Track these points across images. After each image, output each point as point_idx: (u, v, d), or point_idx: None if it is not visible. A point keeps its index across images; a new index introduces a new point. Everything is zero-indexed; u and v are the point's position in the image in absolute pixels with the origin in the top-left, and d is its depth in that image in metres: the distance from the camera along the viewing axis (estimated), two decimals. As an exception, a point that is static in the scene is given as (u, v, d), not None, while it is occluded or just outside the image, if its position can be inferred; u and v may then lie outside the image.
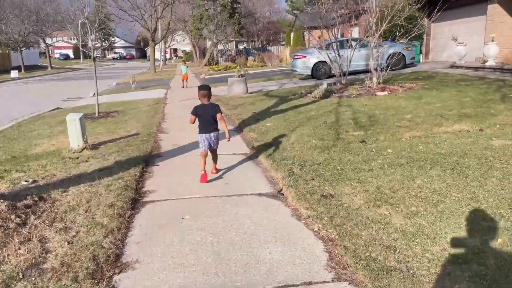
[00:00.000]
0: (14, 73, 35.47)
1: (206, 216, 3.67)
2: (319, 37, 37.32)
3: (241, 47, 52.98)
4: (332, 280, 2.59)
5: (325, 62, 16.22)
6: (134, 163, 5.39)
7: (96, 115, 10.35)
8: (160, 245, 3.15)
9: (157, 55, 52.80)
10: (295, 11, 56.44)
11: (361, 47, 15.48)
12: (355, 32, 25.89)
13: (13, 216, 3.43)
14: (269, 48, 49.92)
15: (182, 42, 76.00)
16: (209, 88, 5.03)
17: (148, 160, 5.83)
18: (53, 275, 2.67)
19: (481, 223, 3.13)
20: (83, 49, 11.45)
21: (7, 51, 45.01)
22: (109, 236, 3.20)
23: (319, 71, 16.49)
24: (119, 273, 2.77)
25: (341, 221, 3.27)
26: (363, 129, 6.74)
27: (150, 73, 31.62)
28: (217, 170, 5.23)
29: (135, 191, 4.34)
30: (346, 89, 10.68)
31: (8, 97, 19.87)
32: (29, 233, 3.23)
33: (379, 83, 10.63)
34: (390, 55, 16.27)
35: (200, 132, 4.92)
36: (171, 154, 6.21)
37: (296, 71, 16.94)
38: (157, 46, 40.58)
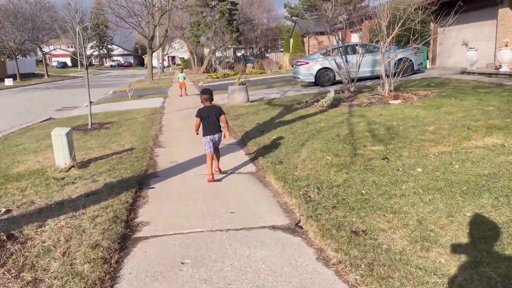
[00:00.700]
0: (8, 81, 34.80)
1: (211, 261, 2.97)
2: (319, 43, 36.66)
3: (239, 54, 52.49)
4: None
5: (329, 68, 15.66)
6: (126, 186, 4.69)
7: (89, 126, 9.66)
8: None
9: (155, 62, 52.35)
10: (293, 18, 56.09)
11: (367, 53, 14.93)
12: (355, 38, 25.40)
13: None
14: (267, 55, 49.51)
15: (180, 50, 75.58)
16: (211, 92, 5.37)
17: (142, 181, 5.13)
18: None
19: None
20: (76, 57, 10.78)
21: (2, 59, 44.36)
22: (89, 293, 2.50)
23: (323, 78, 15.86)
24: None
25: (384, 272, 2.57)
26: (382, 143, 6.06)
27: (148, 81, 30.97)
28: (220, 170, 5.45)
29: (125, 224, 3.63)
30: (356, 97, 10.03)
31: (-1, 106, 19.17)
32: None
33: (390, 90, 9.98)
34: (397, 60, 15.78)
35: (205, 134, 5.16)
36: (168, 173, 5.51)
37: (299, 78, 16.31)
38: (155, 54, 40.05)
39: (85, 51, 9.65)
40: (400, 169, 4.85)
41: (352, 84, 10.92)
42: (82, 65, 79.56)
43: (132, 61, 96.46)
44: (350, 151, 5.83)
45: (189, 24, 43.43)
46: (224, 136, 5.24)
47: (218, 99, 14.95)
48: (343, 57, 11.03)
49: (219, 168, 5.40)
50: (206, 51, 49.94)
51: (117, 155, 6.50)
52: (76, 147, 7.38)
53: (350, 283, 2.58)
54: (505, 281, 2.38)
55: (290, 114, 9.19)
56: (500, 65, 12.93)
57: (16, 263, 2.87)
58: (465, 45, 14.48)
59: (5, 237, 3.17)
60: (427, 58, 18.97)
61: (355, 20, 11.70)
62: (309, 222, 3.53)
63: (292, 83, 18.54)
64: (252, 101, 13.05)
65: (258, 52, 57.68)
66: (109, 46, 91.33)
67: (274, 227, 3.58)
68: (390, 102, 9.17)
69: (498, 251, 2.75)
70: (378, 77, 15.28)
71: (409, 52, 15.62)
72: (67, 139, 5.68)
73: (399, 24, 9.62)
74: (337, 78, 15.79)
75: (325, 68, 15.73)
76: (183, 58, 76.22)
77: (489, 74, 12.82)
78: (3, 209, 4.05)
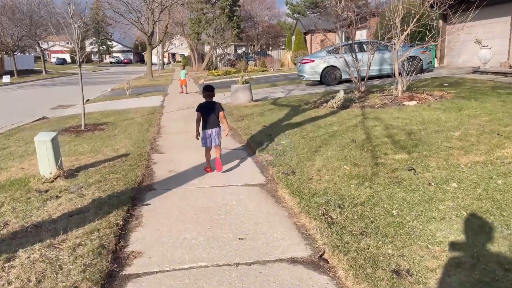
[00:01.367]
0: (5, 78, 34.12)
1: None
2: (321, 41, 35.85)
3: (239, 51, 51.76)
4: None
5: (335, 67, 15.04)
6: (117, 202, 4.07)
7: (82, 128, 9.03)
8: None
9: (155, 59, 51.65)
10: (295, 15, 55.39)
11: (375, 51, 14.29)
12: (359, 35, 24.69)
13: None
14: (268, 52, 48.78)
15: (180, 47, 74.88)
16: (213, 89, 5.52)
17: (136, 195, 4.50)
18: None
19: None
20: (71, 54, 10.15)
21: (0, 56, 43.65)
22: None
23: (328, 77, 15.23)
24: None
25: None
26: (405, 150, 5.43)
27: (147, 78, 30.30)
28: (222, 167, 5.36)
29: (113, 256, 3.01)
30: (367, 98, 9.39)
31: (-7, 104, 18.53)
32: None
33: (404, 91, 9.35)
34: (406, 59, 15.13)
35: (204, 128, 5.31)
36: (166, 185, 4.88)
37: (304, 76, 15.67)
38: (154, 51, 39.35)
39: (78, 46, 9.01)
40: (432, 184, 4.22)
41: (362, 83, 10.28)
42: (81, 61, 78.89)
43: (132, 57, 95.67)
44: (370, 160, 5.20)
45: (190, 20, 42.69)
46: (224, 131, 5.41)
47: (220, 98, 14.30)
48: (353, 55, 10.38)
49: (221, 166, 5.34)
50: (206, 48, 49.23)
51: (110, 162, 5.87)
52: (66, 152, 6.77)
53: None
54: None
55: (298, 116, 8.56)
56: (516, 64, 12.29)
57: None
58: (478, 43, 13.84)
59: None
60: (435, 57, 18.33)
61: (366, 15, 11.03)
62: (336, 255, 2.91)
63: (296, 82, 17.91)
64: (256, 101, 12.42)
65: (259, 50, 56.95)
66: (108, 42, 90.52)
67: (293, 260, 2.95)
68: (405, 103, 8.55)
69: None
70: (385, 76, 14.69)
71: (418, 50, 15.02)
72: (53, 145, 5.05)
73: (414, 20, 8.98)
74: (344, 77, 15.19)
75: (331, 67, 15.10)
76: (183, 55, 75.47)
77: (505, 74, 12.18)
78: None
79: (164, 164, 5.88)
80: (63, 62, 79.45)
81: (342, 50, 10.63)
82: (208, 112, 5.28)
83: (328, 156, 5.56)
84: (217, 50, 39.66)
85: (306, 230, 3.48)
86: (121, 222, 3.58)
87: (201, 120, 5.29)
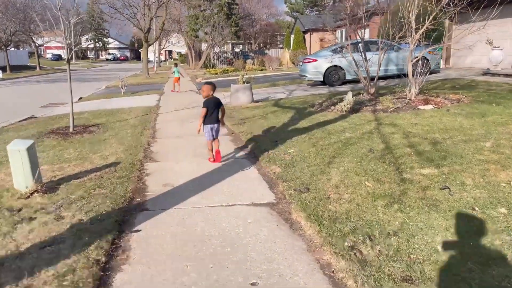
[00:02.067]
0: (-3, 74, 33.23)
1: None
2: (321, 40, 35.20)
3: (237, 49, 50.99)
4: None
5: (339, 66, 14.39)
6: (100, 229, 3.39)
7: (71, 130, 8.33)
8: None
9: (151, 57, 50.78)
10: (294, 13, 54.71)
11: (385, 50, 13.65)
12: (362, 34, 24.06)
13: None
14: (266, 51, 48.04)
15: (177, 44, 74.07)
16: (215, 85, 5.88)
17: (125, 218, 3.81)
18: None
19: None
20: (69, 49, 9.41)
21: (-8, 51, 42.66)
22: None
23: (332, 77, 14.57)
24: None
25: None
26: (433, 164, 4.78)
27: (143, 76, 29.54)
28: (221, 158, 5.80)
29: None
30: (378, 101, 8.74)
31: (-19, 102, 17.73)
32: None
33: (417, 93, 8.71)
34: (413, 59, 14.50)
35: (207, 123, 5.61)
36: (161, 203, 4.20)
37: (306, 76, 15.00)
38: (151, 48, 38.53)
39: (67, 41, 8.31)
40: (476, 208, 3.57)
41: (372, 85, 9.62)
42: (77, 57, 77.86)
43: (128, 54, 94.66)
44: (395, 175, 4.55)
45: (187, 17, 41.91)
46: (222, 124, 5.81)
47: (219, 97, 13.61)
48: (363, 54, 9.72)
49: (220, 157, 5.77)
50: (203, 46, 48.43)
51: (97, 173, 5.18)
52: (50, 158, 6.07)
53: None
54: None
55: (305, 120, 7.89)
56: (531, 66, 11.68)
57: None
58: (489, 44, 13.21)
59: None
60: (441, 57, 17.72)
61: (378, 11, 10.36)
62: (378, 314, 2.25)
63: (297, 81, 17.24)
64: (257, 101, 11.75)
65: (256, 48, 56.22)
66: (105, 39, 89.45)
67: (323, 320, 2.29)
68: (420, 107, 7.90)
69: None
70: (391, 77, 14.06)
71: (426, 51, 14.39)
72: (29, 155, 4.35)
73: (431, 18, 8.34)
74: (348, 77, 14.54)
75: (335, 66, 14.44)
76: (180, 52, 74.59)
77: (520, 76, 11.57)
78: None
79: (159, 175, 5.19)
80: (58, 58, 78.19)
81: (350, 48, 9.94)
82: (212, 108, 5.63)
83: (345, 169, 4.89)
84: (215, 48, 38.90)
85: (333, 272, 2.81)
86: (103, 259, 2.90)
87: (207, 114, 5.59)
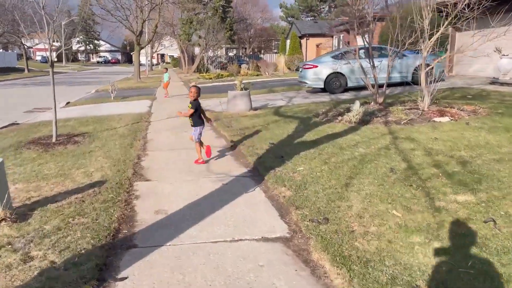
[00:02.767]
0: (-17, 76, 32.12)
1: None
2: (317, 45, 34.71)
3: (230, 54, 50.41)
4: None
5: (341, 73, 13.80)
6: (76, 277, 2.68)
7: (53, 140, 7.58)
8: None
9: (143, 60, 49.95)
10: (289, 18, 54.37)
11: (381, 57, 13.11)
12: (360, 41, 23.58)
13: None
14: (261, 56, 47.49)
15: (170, 48, 73.26)
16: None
17: (108, 259, 3.10)
18: None
19: None
20: (57, 52, 8.68)
21: (-20, 52, 41.51)
22: None
23: (333, 84, 13.96)
24: None
25: None
26: (466, 188, 4.15)
27: (134, 80, 28.73)
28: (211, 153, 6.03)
29: None
30: (388, 111, 8.13)
31: (-38, 105, 16.83)
32: None
33: (430, 103, 8.12)
34: (417, 67, 13.98)
35: (197, 124, 5.79)
36: (153, 238, 3.50)
37: (306, 83, 14.38)
38: (143, 51, 37.73)
39: (50, 43, 7.60)
40: (539, 252, 2.93)
41: (380, 93, 9.01)
42: (67, 59, 76.52)
43: (119, 57, 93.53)
44: (426, 202, 3.91)
45: (180, 20, 41.23)
46: (208, 121, 6.09)
47: (215, 104, 12.95)
48: (370, 60, 9.12)
49: (210, 150, 5.99)
50: (197, 50, 47.73)
51: (79, 195, 4.46)
52: (27, 174, 5.35)
53: None
54: None
55: (311, 132, 7.24)
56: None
57: None
58: (497, 52, 12.73)
59: None
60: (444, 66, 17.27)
61: (386, 16, 9.77)
62: None
63: (295, 88, 16.62)
64: (256, 109, 11.09)
65: (251, 53, 55.69)
66: (96, 41, 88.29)
67: None
68: (435, 119, 7.31)
69: None
70: (394, 85, 13.51)
71: (431, 58, 13.89)
72: (-6, 178, 3.63)
73: (446, 23, 7.77)
74: (349, 84, 13.96)
75: (336, 73, 13.84)
76: (172, 56, 73.78)
77: (531, 86, 11.06)
78: None
79: (150, 198, 4.48)
80: (47, 60, 76.99)
81: (358, 54, 9.33)
82: (200, 110, 5.84)
83: (367, 193, 4.24)
84: (209, 52, 38.25)
85: None
86: (75, 329, 2.19)
87: (194, 116, 5.74)
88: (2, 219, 3.67)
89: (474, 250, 3.05)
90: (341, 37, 29.51)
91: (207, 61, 37.84)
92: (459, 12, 7.76)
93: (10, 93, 22.66)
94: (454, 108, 8.00)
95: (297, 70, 32.01)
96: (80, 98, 18.76)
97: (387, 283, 2.68)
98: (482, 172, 4.55)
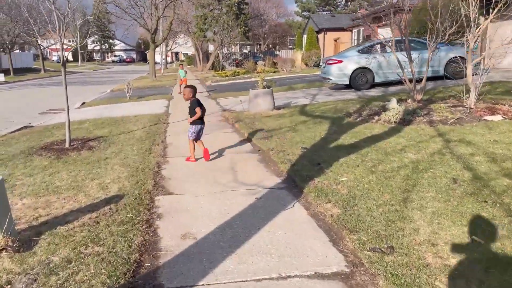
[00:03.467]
0: (0, 77, 32.20)
1: None
2: (335, 40, 33.83)
3: (244, 50, 49.71)
4: None
5: (368, 68, 13.01)
6: None
7: (67, 145, 7.05)
8: None
9: (158, 58, 49.65)
10: (305, 13, 53.35)
11: (413, 50, 12.27)
12: (384, 33, 22.59)
13: None
14: (277, 52, 46.66)
15: (184, 45, 73.03)
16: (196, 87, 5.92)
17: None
18: None
19: None
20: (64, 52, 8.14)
21: (-3, 53, 41.77)
22: None
23: (359, 80, 13.18)
24: None
25: None
26: (558, 206, 3.41)
27: (150, 78, 28.33)
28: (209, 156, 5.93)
29: None
30: (430, 109, 7.36)
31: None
32: None
33: (476, 100, 7.33)
34: (448, 61, 13.10)
35: (198, 123, 5.79)
36: (181, 275, 2.86)
37: (330, 79, 13.62)
38: (158, 49, 37.34)
39: (62, 42, 7.06)
40: None
41: (419, 90, 8.23)
42: (83, 59, 76.91)
43: (134, 56, 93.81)
44: (510, 224, 3.19)
45: (195, 17, 40.68)
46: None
47: (234, 103, 12.34)
48: (407, 53, 8.34)
49: (208, 154, 5.95)
50: (211, 47, 47.15)
51: (93, 214, 3.87)
52: (37, 186, 4.81)
53: None
54: None
55: (347, 134, 6.53)
56: None
57: None
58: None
59: None
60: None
61: (385, 13, 8.89)
62: None
63: (316, 85, 15.88)
64: (279, 108, 10.43)
65: (265, 49, 54.85)
66: (111, 41, 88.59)
67: None
68: (486, 118, 6.52)
69: None
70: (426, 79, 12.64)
71: (463, 50, 12.97)
72: (-8, 200, 3.05)
73: (498, 7, 6.97)
74: (377, 80, 13.15)
75: (363, 68, 13.06)
76: (187, 54, 73.46)
77: None
78: None
79: (175, 217, 3.86)
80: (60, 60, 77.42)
81: (394, 47, 8.53)
82: (204, 108, 5.80)
83: (432, 211, 3.54)
84: (223, 49, 37.63)
85: None
86: None
87: (191, 114, 5.72)
88: (3, 248, 3.10)
89: None
90: (361, 31, 28.57)
91: (222, 59, 37.24)
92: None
93: (26, 94, 22.46)
94: (504, 105, 7.20)
95: (315, 66, 31.16)
96: (95, 98, 18.37)
97: None
98: None
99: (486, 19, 14.98)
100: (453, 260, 2.83)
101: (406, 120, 6.79)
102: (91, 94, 20.54)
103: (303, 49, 34.01)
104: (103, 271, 2.78)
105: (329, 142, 6.20)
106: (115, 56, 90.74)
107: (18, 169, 5.78)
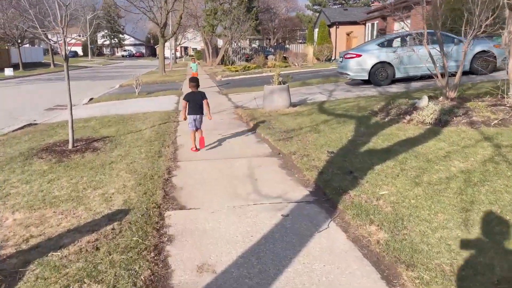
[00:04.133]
0: (8, 71, 31.91)
1: None
2: (348, 34, 32.90)
3: (254, 45, 48.90)
4: None
5: (388, 63, 12.28)
6: None
7: (70, 146, 6.49)
8: None
9: (167, 53, 49.13)
10: (316, 7, 52.37)
11: (434, 44, 11.51)
12: (398, 27, 21.72)
13: None
14: (287, 46, 45.83)
15: (193, 40, 72.37)
16: (198, 80, 6.22)
17: None
18: None
19: None
20: (74, 46, 7.54)
21: (7, 47, 41.51)
22: None
23: (379, 75, 12.45)
24: None
25: None
26: None
27: (159, 73, 27.80)
28: (204, 144, 6.23)
29: None
30: (468, 108, 6.64)
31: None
32: None
33: (517, 99, 6.61)
34: (475, 55, 12.31)
35: (189, 113, 6.05)
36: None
37: (348, 74, 12.90)
38: (167, 44, 36.78)
39: (65, 34, 6.49)
40: None
41: (452, 87, 7.51)
42: (93, 54, 76.67)
43: (143, 51, 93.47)
44: None
45: (205, 11, 39.99)
46: (206, 115, 6.14)
47: (247, 99, 11.71)
48: (440, 46, 7.62)
49: (203, 144, 6.22)
50: (220, 42, 46.46)
51: (92, 236, 3.28)
52: (32, 197, 4.25)
53: None
54: None
55: (377, 136, 5.86)
56: None
57: None
58: None
59: None
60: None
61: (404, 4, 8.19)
62: None
63: (332, 80, 15.15)
64: (295, 105, 9.78)
65: (275, 43, 54.02)
66: (120, 35, 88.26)
67: None
68: (534, 119, 5.80)
69: None
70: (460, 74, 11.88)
71: (491, 44, 12.18)
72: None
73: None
74: (397, 75, 12.41)
75: (382, 63, 12.33)
76: (196, 49, 72.83)
77: None
78: None
79: (189, 241, 3.25)
80: (74, 55, 77.41)
81: (426, 39, 7.78)
82: (194, 100, 6.03)
83: (499, 247, 2.88)
84: (234, 43, 36.91)
85: None
86: None
87: (188, 107, 6.02)
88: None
89: None
90: (376, 24, 27.67)
91: (232, 53, 36.55)
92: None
93: (34, 89, 22.04)
94: (551, 104, 6.46)
95: (327, 60, 30.36)
96: (104, 93, 17.87)
97: None
98: None
99: (510, 9, 13.99)
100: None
101: (442, 120, 6.10)
102: (100, 89, 20.07)
103: (315, 43, 33.18)
104: (101, 322, 2.18)
105: (358, 146, 5.54)
106: (124, 50, 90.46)
107: (14, 174, 5.23)
